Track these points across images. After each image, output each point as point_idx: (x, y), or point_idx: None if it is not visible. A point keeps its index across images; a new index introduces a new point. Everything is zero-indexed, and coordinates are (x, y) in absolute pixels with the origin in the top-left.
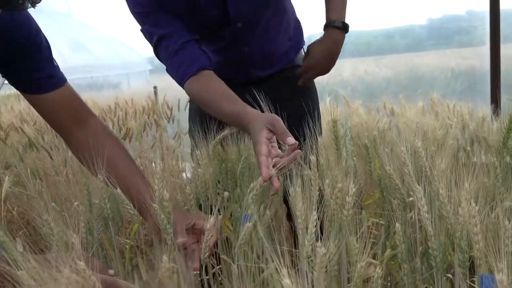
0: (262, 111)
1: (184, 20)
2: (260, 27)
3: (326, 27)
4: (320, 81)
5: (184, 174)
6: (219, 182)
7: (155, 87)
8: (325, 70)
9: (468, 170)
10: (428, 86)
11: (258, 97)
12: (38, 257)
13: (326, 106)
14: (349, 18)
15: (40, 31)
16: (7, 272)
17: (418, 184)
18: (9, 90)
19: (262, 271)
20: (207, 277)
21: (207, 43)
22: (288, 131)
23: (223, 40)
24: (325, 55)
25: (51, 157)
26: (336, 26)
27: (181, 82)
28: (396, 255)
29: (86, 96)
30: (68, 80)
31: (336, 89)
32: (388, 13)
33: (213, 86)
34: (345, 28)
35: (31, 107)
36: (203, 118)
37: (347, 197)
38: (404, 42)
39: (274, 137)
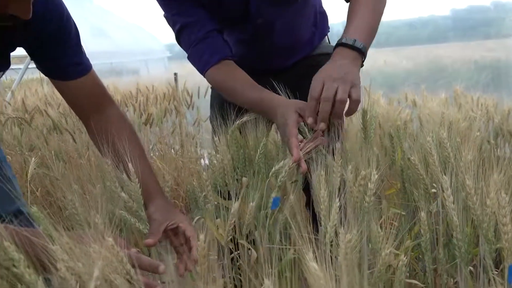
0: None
1: (207, 10)
2: (281, 23)
3: (335, 46)
4: None
5: (202, 161)
6: (237, 168)
7: (175, 74)
8: (341, 94)
9: (494, 162)
10: (449, 78)
11: (282, 86)
12: (70, 233)
13: None
14: None
15: (71, 18)
16: (42, 246)
17: (444, 174)
18: (32, 74)
19: (280, 258)
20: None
21: (230, 34)
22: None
23: (245, 32)
24: (334, 68)
25: (74, 140)
26: (347, 44)
27: (202, 71)
28: (415, 245)
29: (107, 82)
30: None
31: None
32: (409, 3)
33: (235, 74)
34: (360, 50)
35: (55, 91)
36: (223, 105)
37: (369, 183)
38: (426, 33)
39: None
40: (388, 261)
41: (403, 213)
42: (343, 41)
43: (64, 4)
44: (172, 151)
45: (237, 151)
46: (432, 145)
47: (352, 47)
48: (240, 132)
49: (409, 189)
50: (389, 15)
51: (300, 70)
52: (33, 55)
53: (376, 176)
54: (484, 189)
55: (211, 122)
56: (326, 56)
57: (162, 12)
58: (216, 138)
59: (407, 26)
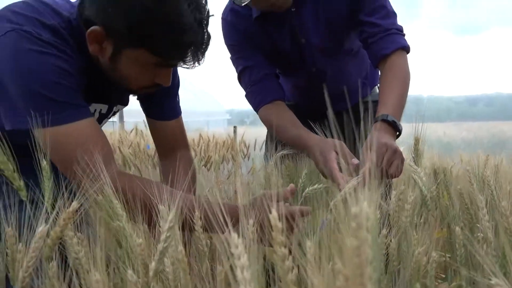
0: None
1: (267, 57)
2: (332, 72)
3: (377, 119)
4: None
5: None
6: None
7: (235, 127)
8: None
9: None
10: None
11: (329, 129)
12: None
13: None
14: (429, 83)
15: (177, 70)
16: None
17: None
18: (104, 127)
19: None
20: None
21: (287, 80)
22: (351, 153)
23: (300, 79)
24: (387, 139)
25: (140, 174)
26: (385, 120)
27: (256, 108)
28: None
29: None
30: None
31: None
32: (471, 79)
33: (283, 114)
34: (396, 126)
35: (126, 135)
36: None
37: (405, 204)
38: (489, 110)
39: None
40: (419, 259)
41: (449, 255)
42: (388, 118)
43: None
44: (226, 197)
45: (288, 179)
46: (472, 176)
47: (392, 125)
48: (293, 162)
49: (453, 229)
50: (449, 91)
51: (351, 113)
52: (141, 95)
53: (413, 197)
54: None
55: (265, 153)
56: (374, 103)
57: (226, 74)
58: (269, 167)
59: (468, 102)
